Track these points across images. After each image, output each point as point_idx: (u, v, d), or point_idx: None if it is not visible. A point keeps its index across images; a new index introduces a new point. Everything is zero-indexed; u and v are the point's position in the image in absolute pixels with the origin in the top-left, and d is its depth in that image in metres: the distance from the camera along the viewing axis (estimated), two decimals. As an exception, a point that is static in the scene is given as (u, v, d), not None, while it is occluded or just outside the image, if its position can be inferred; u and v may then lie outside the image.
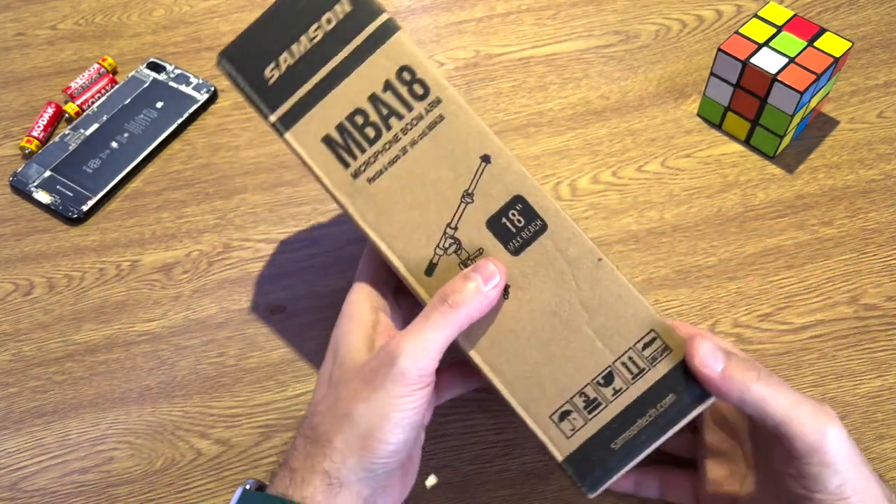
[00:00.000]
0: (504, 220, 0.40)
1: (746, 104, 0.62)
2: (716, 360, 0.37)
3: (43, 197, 0.65)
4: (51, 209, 0.64)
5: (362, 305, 0.42)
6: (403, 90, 0.41)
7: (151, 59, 0.73)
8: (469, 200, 0.41)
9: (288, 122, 0.41)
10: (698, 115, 0.67)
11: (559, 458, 0.40)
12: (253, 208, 0.64)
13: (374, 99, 0.41)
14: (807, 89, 0.58)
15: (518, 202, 0.40)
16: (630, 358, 0.40)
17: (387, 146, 0.41)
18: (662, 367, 0.39)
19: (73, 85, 0.72)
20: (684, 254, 0.59)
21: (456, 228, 0.41)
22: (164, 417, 0.54)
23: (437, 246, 0.41)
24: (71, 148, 0.67)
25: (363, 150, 0.41)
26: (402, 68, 0.41)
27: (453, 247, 0.41)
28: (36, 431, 0.54)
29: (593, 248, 0.40)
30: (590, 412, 0.40)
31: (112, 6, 0.79)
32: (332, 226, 0.62)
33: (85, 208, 0.64)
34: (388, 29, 0.41)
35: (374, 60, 0.41)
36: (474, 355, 0.40)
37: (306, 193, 0.64)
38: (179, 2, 0.79)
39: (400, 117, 0.41)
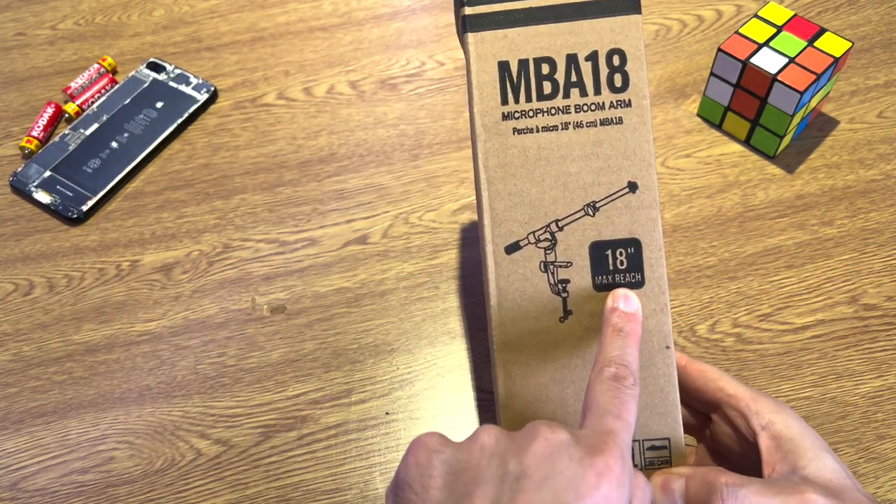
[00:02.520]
0: (609, 252, 0.38)
1: (746, 104, 0.62)
2: None
3: (43, 197, 0.64)
4: (51, 209, 0.64)
5: None
6: (604, 71, 0.38)
7: (151, 59, 0.73)
8: (590, 213, 0.38)
9: (479, 24, 0.38)
10: (698, 115, 0.67)
11: None
12: (253, 208, 0.64)
13: (572, 59, 0.38)
14: (807, 89, 0.58)
15: (633, 245, 0.38)
16: (630, 449, 0.38)
17: (552, 111, 0.38)
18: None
19: (72, 85, 0.72)
20: (684, 254, 0.59)
21: (561, 230, 0.38)
22: (163, 417, 0.54)
23: (533, 233, 0.38)
24: (71, 148, 0.67)
25: (529, 100, 0.38)
26: (617, 51, 0.38)
27: (546, 243, 0.38)
28: (36, 431, 0.54)
29: (669, 333, 0.38)
30: None
31: (112, 6, 0.79)
32: (332, 226, 0.62)
33: (85, 208, 0.64)
34: (631, 5, 0.38)
35: (598, 24, 0.38)
36: (497, 351, 0.38)
37: (306, 193, 0.64)
38: (179, 2, 0.79)
39: (584, 93, 0.38)
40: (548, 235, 0.38)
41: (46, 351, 0.57)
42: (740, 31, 0.61)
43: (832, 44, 0.60)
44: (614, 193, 0.38)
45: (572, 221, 0.38)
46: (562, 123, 0.38)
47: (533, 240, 0.38)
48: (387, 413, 0.53)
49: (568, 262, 0.38)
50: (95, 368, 0.56)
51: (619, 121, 0.38)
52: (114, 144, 0.67)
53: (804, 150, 0.64)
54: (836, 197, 0.61)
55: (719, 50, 0.60)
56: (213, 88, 0.71)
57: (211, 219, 0.63)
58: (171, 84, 0.71)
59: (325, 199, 0.64)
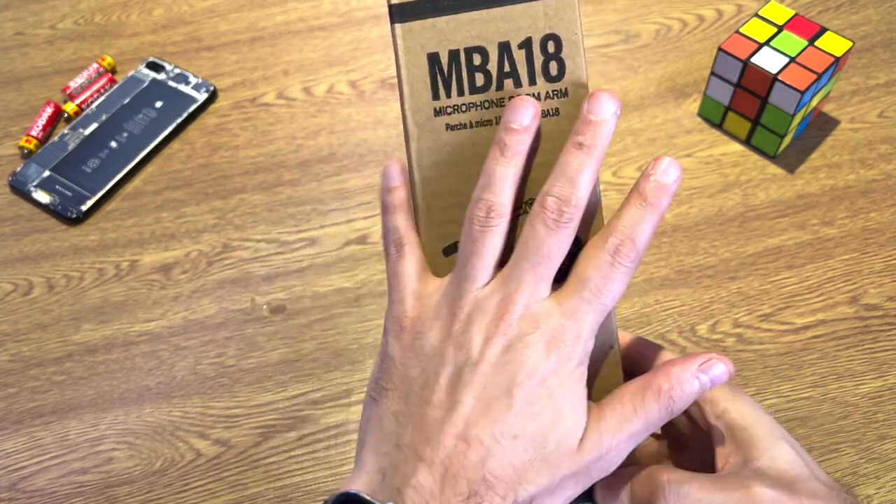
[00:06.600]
0: None
1: (747, 104, 0.62)
2: None
3: (42, 197, 0.64)
4: (50, 209, 0.64)
5: None
6: (539, 60, 0.35)
7: (150, 59, 0.73)
8: (530, 212, 0.35)
9: (406, 13, 0.35)
10: (699, 114, 0.66)
11: None
12: (252, 208, 0.63)
13: (504, 48, 0.35)
14: (807, 89, 0.57)
15: (573, 244, 0.36)
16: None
17: (486, 105, 0.35)
18: None
19: (72, 84, 0.72)
20: (685, 254, 0.59)
21: None
22: (163, 418, 0.54)
23: None
24: (70, 148, 0.67)
25: (461, 93, 0.36)
26: (551, 36, 0.35)
27: None
28: (35, 432, 0.54)
29: (614, 331, 0.36)
30: None
31: (111, 5, 0.79)
32: (331, 226, 0.62)
33: (84, 208, 0.63)
34: None
35: (531, 8, 0.35)
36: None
37: (305, 193, 0.64)
38: (179, 1, 0.79)
39: (518, 84, 0.35)
40: None
41: (45, 351, 0.57)
42: (741, 30, 0.61)
43: (833, 43, 0.60)
44: None
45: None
46: (496, 118, 0.36)
47: None
48: (387, 413, 0.53)
49: None
50: (94, 369, 0.56)
51: (556, 112, 0.35)
52: (113, 144, 0.67)
53: (805, 150, 0.64)
54: (837, 197, 0.61)
55: (720, 49, 0.60)
56: (212, 88, 0.70)
57: (210, 218, 0.63)
58: (171, 83, 0.71)
59: (325, 198, 0.64)
